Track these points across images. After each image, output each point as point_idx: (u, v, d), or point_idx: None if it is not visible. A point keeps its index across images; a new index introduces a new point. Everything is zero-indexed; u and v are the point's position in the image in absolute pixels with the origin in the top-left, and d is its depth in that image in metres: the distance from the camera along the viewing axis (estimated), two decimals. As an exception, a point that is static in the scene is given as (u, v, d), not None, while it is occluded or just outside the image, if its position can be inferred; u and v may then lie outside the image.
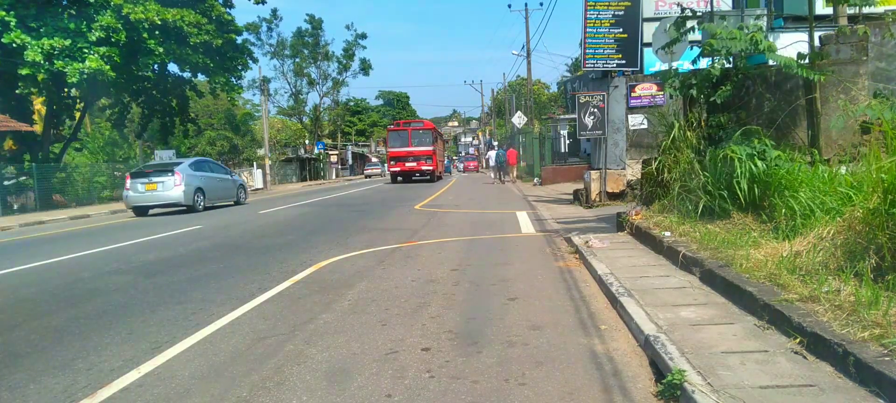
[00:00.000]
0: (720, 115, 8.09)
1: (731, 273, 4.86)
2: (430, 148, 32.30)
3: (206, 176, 18.91)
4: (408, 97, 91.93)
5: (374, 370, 3.78)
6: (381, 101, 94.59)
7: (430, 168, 32.32)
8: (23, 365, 4.13)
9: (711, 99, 7.86)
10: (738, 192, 6.57)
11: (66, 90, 21.78)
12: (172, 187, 17.19)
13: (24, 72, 19.44)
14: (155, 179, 17.32)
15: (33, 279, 7.35)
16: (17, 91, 20.56)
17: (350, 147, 72.27)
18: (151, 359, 4.11)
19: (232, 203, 20.41)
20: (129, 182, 17.71)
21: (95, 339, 4.66)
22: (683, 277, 5.56)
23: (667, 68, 9.73)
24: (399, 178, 33.25)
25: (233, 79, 27.18)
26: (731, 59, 8.14)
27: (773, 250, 5.16)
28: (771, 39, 7.98)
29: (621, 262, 6.47)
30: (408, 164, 31.89)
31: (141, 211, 17.93)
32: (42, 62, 19.26)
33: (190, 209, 17.65)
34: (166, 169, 17.86)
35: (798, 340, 3.54)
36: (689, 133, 7.86)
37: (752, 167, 6.56)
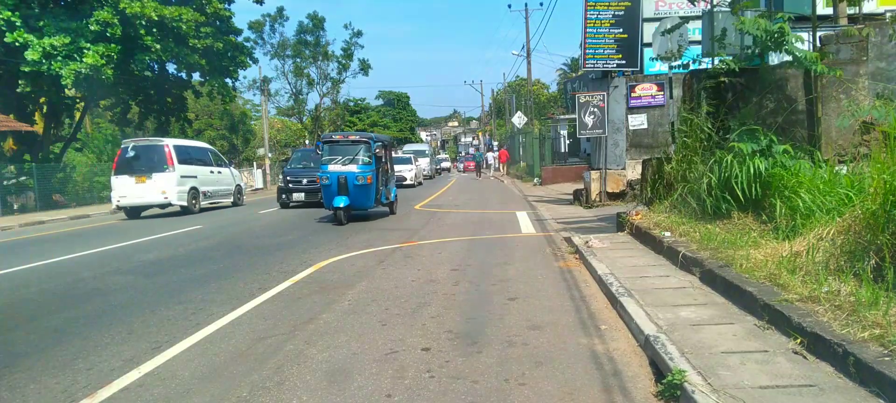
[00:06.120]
0: (722, 115, 8.08)
1: (731, 273, 4.86)
2: None
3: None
4: (408, 97, 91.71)
5: (375, 370, 3.78)
6: (381, 101, 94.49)
7: None
8: (23, 365, 4.13)
9: (725, 101, 7.86)
10: (738, 192, 6.55)
11: (65, 90, 21.75)
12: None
13: (25, 69, 19.49)
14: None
15: (34, 279, 7.34)
16: (17, 89, 20.56)
17: (350, 147, 71.85)
18: (152, 359, 4.11)
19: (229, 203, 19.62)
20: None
21: (95, 339, 4.66)
22: (683, 277, 5.56)
23: (667, 69, 9.74)
24: None
25: (228, 81, 27.10)
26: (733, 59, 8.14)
27: (772, 250, 5.16)
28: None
29: (621, 262, 6.46)
30: None
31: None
32: (41, 61, 19.30)
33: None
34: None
35: (798, 340, 3.54)
36: (691, 132, 7.86)
37: (753, 166, 6.53)
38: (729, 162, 6.81)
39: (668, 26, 9.25)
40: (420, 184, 29.77)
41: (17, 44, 19.18)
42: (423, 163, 32.54)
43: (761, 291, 4.24)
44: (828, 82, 7.64)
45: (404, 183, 26.28)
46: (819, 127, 7.60)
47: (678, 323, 4.16)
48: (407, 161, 28.71)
